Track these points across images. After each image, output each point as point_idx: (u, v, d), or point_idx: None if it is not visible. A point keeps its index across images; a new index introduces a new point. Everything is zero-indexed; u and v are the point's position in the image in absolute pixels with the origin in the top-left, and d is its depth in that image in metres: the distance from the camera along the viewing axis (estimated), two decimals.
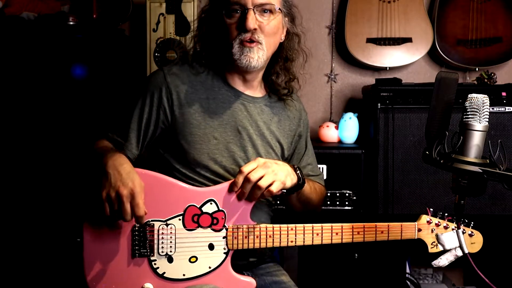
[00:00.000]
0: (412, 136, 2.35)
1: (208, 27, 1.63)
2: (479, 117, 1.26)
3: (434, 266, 1.49)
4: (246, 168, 1.43)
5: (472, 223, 1.53)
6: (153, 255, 1.46)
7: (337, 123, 2.65)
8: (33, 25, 2.44)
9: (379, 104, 2.36)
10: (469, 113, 1.27)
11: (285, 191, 1.50)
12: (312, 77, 2.83)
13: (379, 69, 2.81)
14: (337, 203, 2.33)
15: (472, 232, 1.52)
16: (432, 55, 2.80)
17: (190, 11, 2.56)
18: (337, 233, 1.51)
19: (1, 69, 2.38)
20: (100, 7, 2.60)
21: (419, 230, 1.53)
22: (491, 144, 1.25)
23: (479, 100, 1.26)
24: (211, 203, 1.47)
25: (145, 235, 1.46)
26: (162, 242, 1.46)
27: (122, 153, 1.49)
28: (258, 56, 1.54)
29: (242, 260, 1.62)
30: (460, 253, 1.46)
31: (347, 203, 2.34)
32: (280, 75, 1.68)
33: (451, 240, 1.47)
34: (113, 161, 1.41)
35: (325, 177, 2.31)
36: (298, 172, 1.53)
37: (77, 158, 1.56)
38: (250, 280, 1.51)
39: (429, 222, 1.52)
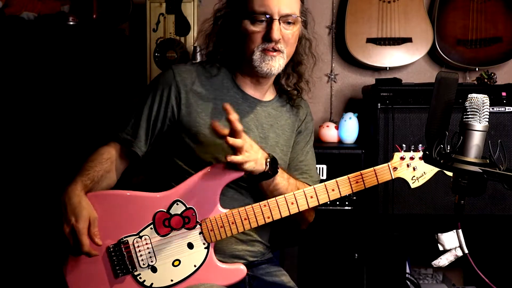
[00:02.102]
0: (412, 136, 2.35)
1: (223, 28, 1.63)
2: (479, 117, 1.26)
3: (434, 266, 1.48)
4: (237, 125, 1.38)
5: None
6: (136, 270, 1.46)
7: (337, 123, 2.65)
8: (33, 25, 2.44)
9: (379, 104, 2.36)
10: (469, 113, 1.27)
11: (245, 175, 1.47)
12: (312, 75, 2.83)
13: (379, 69, 2.81)
14: (337, 203, 2.33)
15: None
16: (432, 55, 2.80)
17: (190, 11, 2.56)
18: (311, 196, 1.47)
19: (1, 69, 2.38)
20: (100, 7, 2.61)
21: (395, 169, 1.49)
22: (491, 144, 1.25)
23: (479, 100, 1.26)
24: (177, 204, 1.46)
25: (122, 253, 1.45)
26: (141, 255, 1.46)
27: (85, 177, 1.50)
28: (279, 64, 1.56)
29: (243, 261, 1.62)
30: (460, 253, 1.46)
31: (347, 203, 2.33)
32: (290, 76, 1.70)
33: (451, 240, 1.47)
34: (64, 197, 1.44)
35: (325, 177, 2.30)
36: (269, 161, 1.48)
37: (72, 170, 1.56)
38: (239, 267, 1.50)
39: (402, 158, 1.49)
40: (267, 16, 1.52)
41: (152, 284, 1.46)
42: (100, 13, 2.60)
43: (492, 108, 2.29)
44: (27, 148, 2.38)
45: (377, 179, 1.49)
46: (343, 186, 1.49)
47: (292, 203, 1.47)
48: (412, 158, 1.50)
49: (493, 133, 2.30)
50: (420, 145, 1.50)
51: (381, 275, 2.34)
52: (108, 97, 2.49)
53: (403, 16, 2.68)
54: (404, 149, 1.50)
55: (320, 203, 1.49)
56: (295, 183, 1.65)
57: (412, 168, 1.50)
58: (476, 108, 1.26)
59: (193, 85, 1.59)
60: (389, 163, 1.50)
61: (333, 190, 1.49)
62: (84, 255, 1.40)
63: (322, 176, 2.31)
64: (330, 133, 2.60)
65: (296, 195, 1.47)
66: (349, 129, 2.56)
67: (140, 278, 1.46)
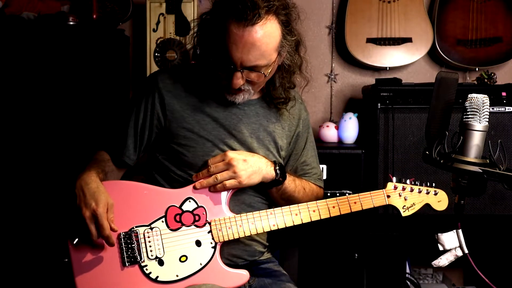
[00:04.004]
0: (412, 136, 2.35)
1: (207, 37, 1.55)
2: (479, 117, 1.26)
3: (434, 266, 1.49)
4: (211, 160, 1.53)
5: (434, 184, 1.60)
6: (144, 261, 1.47)
7: (337, 123, 2.65)
8: (33, 25, 2.44)
9: (379, 104, 2.36)
10: (469, 113, 1.27)
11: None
12: (312, 77, 2.83)
13: (379, 69, 2.81)
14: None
15: (436, 191, 1.58)
16: (432, 55, 2.80)
17: (190, 11, 2.56)
18: (314, 211, 1.54)
19: (1, 69, 2.38)
20: (100, 7, 2.61)
21: (388, 196, 1.57)
22: (491, 144, 1.25)
23: (479, 100, 1.26)
24: (189, 201, 1.52)
25: (132, 242, 1.47)
26: (150, 246, 1.48)
27: (98, 168, 1.52)
28: (243, 97, 1.54)
29: (242, 260, 1.63)
30: (460, 253, 1.46)
31: None
32: (276, 86, 1.62)
33: (451, 240, 1.47)
34: (80, 181, 1.45)
35: (325, 177, 2.30)
36: (278, 168, 1.57)
37: (72, 170, 1.57)
38: (242, 272, 1.53)
39: (395, 188, 1.58)
40: (229, 65, 1.45)
41: (157, 277, 1.47)
42: (100, 13, 2.60)
43: (492, 108, 2.29)
44: (27, 147, 2.38)
45: (373, 202, 1.57)
46: (342, 204, 1.56)
47: (296, 215, 1.54)
48: (403, 189, 1.58)
49: (493, 133, 2.30)
50: (409, 180, 1.59)
51: (381, 275, 2.34)
52: (108, 97, 2.49)
53: (403, 16, 2.68)
54: (395, 180, 1.59)
55: (321, 218, 1.55)
56: (301, 183, 1.68)
57: (403, 198, 1.58)
58: (476, 108, 1.26)
59: (177, 90, 1.59)
60: (384, 190, 1.58)
61: (334, 207, 1.55)
62: (104, 239, 1.40)
63: (323, 176, 2.30)
64: (330, 133, 2.60)
65: (300, 208, 1.54)
66: (349, 129, 2.56)
67: (147, 269, 1.47)
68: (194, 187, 1.53)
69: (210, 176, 1.52)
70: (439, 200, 1.58)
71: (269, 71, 1.50)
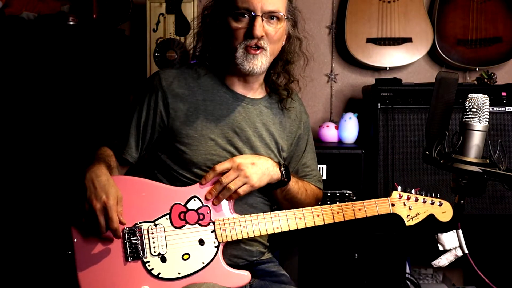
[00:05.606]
0: (412, 136, 2.35)
1: (210, 26, 1.63)
2: (479, 117, 1.26)
3: (434, 266, 1.49)
4: (219, 167, 1.52)
5: (439, 194, 1.60)
6: (146, 257, 1.48)
7: (337, 123, 2.65)
8: (33, 25, 2.44)
9: (379, 104, 2.36)
10: (469, 113, 1.27)
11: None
12: (312, 77, 2.83)
13: (379, 69, 2.81)
14: (337, 203, 2.33)
15: (440, 202, 1.58)
16: (432, 55, 2.80)
17: (190, 11, 2.56)
18: (318, 215, 1.55)
19: (1, 69, 2.38)
20: (100, 7, 2.61)
21: (393, 205, 1.58)
22: (491, 144, 1.25)
23: (479, 100, 1.26)
24: (194, 200, 1.52)
25: (136, 237, 1.48)
26: (154, 242, 1.48)
27: (106, 162, 1.52)
28: (261, 62, 1.55)
29: (242, 260, 1.63)
30: (460, 253, 1.46)
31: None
32: (280, 76, 1.69)
33: (451, 240, 1.47)
34: (90, 174, 1.44)
35: (325, 177, 2.31)
36: (283, 169, 1.58)
37: (74, 165, 1.57)
38: (244, 273, 1.53)
39: (400, 197, 1.58)
40: (250, 12, 1.51)
41: (159, 273, 1.47)
42: (100, 13, 2.60)
43: (492, 108, 2.29)
44: (27, 148, 2.38)
45: (377, 210, 1.58)
46: (347, 211, 1.57)
47: (300, 218, 1.54)
48: (408, 198, 1.59)
49: (493, 133, 2.30)
50: (414, 189, 1.60)
51: (381, 275, 2.34)
52: (108, 97, 2.49)
53: (403, 16, 2.68)
54: (400, 189, 1.59)
55: (325, 223, 1.56)
56: (303, 184, 1.69)
57: (408, 207, 1.59)
58: (476, 108, 1.26)
59: (180, 88, 1.59)
60: (388, 198, 1.59)
61: (338, 213, 1.57)
62: (111, 231, 1.40)
63: (323, 176, 2.31)
64: (330, 133, 2.60)
65: (304, 212, 1.55)
66: (349, 129, 2.56)
67: (149, 265, 1.47)
68: (200, 184, 1.53)
69: (224, 188, 1.51)
70: (444, 211, 1.58)
71: (281, 28, 1.56)
